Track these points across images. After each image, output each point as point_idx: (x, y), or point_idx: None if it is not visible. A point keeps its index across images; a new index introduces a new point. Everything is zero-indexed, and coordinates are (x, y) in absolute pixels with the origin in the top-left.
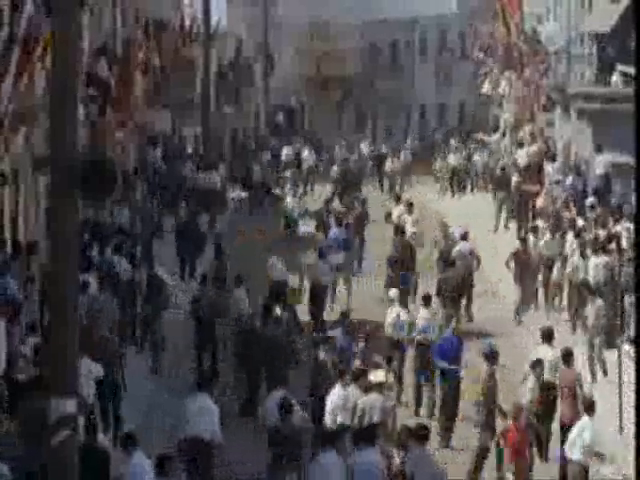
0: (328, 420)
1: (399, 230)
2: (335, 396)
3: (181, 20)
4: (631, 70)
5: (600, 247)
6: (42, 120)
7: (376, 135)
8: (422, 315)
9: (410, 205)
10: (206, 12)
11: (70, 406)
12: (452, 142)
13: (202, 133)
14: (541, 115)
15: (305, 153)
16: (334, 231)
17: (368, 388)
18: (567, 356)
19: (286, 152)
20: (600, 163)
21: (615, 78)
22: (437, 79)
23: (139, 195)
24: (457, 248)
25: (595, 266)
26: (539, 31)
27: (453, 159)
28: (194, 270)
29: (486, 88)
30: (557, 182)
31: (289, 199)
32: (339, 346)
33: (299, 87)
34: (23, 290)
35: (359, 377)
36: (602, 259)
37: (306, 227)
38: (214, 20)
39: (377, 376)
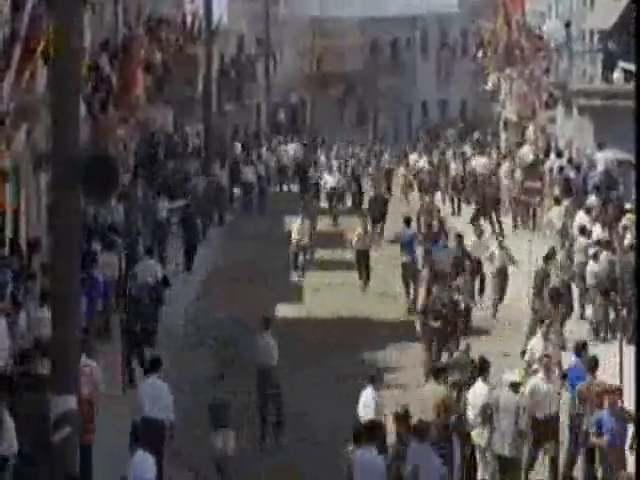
0: (470, 415)
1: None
2: (478, 391)
3: (183, 17)
4: (632, 67)
5: (603, 244)
6: (44, 116)
7: (377, 132)
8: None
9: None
10: (208, 9)
11: (71, 402)
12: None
13: (204, 130)
14: (543, 112)
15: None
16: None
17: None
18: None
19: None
20: (601, 160)
21: (617, 75)
22: (438, 76)
23: (140, 192)
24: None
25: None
26: (541, 28)
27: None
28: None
29: (489, 85)
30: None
31: None
32: None
33: (300, 84)
34: (24, 287)
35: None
36: (604, 256)
37: None
38: (215, 17)
39: (512, 374)
